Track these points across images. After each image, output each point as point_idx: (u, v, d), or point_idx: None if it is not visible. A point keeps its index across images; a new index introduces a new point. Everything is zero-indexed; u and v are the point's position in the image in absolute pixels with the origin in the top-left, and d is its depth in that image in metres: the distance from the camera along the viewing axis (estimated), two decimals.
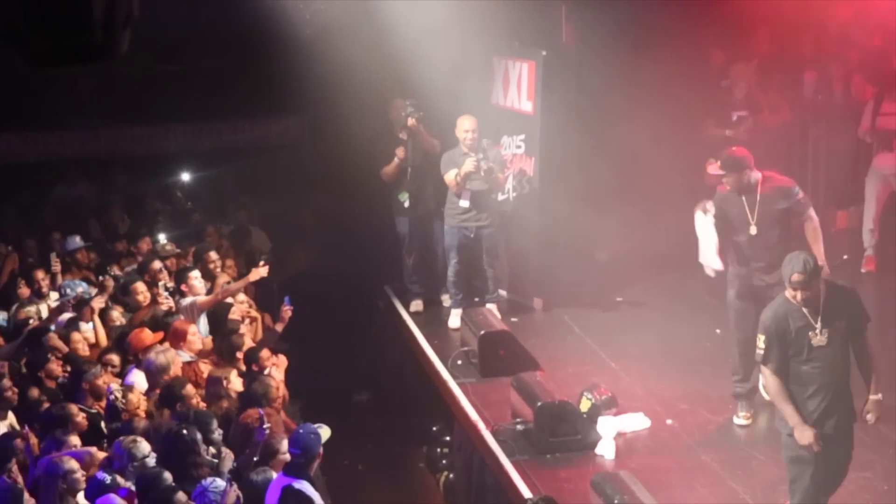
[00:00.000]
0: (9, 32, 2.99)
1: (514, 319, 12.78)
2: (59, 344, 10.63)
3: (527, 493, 9.07)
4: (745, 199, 9.67)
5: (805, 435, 7.30)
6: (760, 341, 7.55)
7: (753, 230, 9.66)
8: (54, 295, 12.17)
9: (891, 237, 13.19)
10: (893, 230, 13.18)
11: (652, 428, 10.35)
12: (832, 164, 14.87)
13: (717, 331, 12.16)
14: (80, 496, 8.29)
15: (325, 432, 8.78)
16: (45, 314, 11.67)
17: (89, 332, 11.30)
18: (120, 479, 8.21)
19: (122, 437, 8.82)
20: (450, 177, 12.30)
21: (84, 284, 12.31)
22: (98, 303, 11.72)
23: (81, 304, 11.79)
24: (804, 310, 7.39)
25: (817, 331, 7.35)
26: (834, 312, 7.42)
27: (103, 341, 11.12)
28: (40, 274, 12.60)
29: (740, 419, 10.06)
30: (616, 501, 8.39)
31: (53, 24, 2.97)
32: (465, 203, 12.36)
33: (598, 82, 12.91)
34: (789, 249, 8.81)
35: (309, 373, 11.93)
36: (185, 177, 17.05)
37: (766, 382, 7.74)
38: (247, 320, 11.79)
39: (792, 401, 7.45)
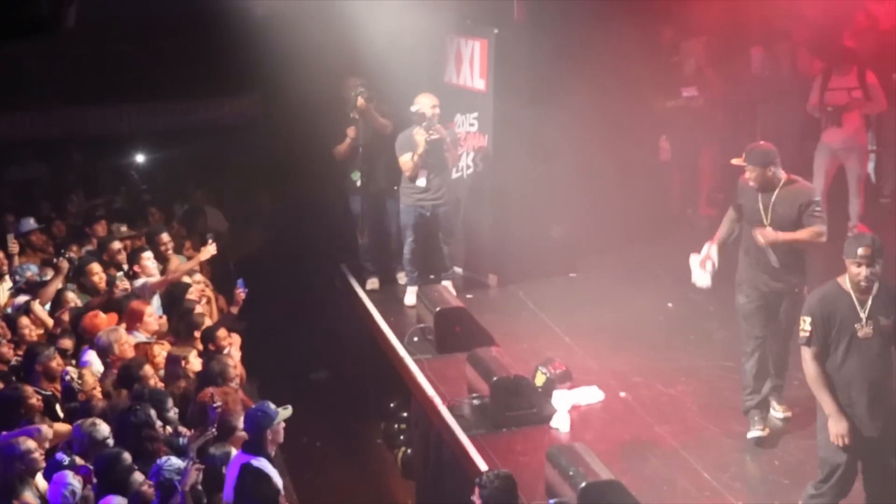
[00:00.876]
0: None
1: (469, 296, 12.83)
2: (3, 327, 10.64)
3: (483, 466, 9.10)
4: (762, 198, 9.01)
5: (840, 426, 7.08)
6: (805, 323, 7.26)
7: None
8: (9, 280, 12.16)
9: (838, 210, 13.31)
10: (840, 203, 13.28)
11: (606, 401, 10.43)
12: (780, 138, 14.82)
13: (669, 304, 12.30)
14: (39, 476, 8.32)
15: (285, 412, 8.82)
16: (1, 295, 11.68)
17: (44, 314, 11.32)
18: (78, 460, 8.24)
19: (81, 420, 8.85)
20: (405, 160, 12.32)
21: (34, 267, 12.28)
22: (54, 285, 11.74)
23: (35, 287, 11.81)
24: (854, 298, 7.15)
25: (863, 322, 7.08)
26: (881, 308, 7.13)
27: (49, 323, 11.08)
28: None
29: (755, 432, 9.34)
30: (571, 473, 8.47)
31: None
32: (422, 182, 12.40)
33: (551, 59, 12.93)
34: (799, 259, 9.09)
35: (266, 351, 11.96)
36: (140, 158, 16.97)
37: (806, 366, 7.33)
38: (203, 300, 11.80)
39: (830, 389, 7.20)
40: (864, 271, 7.05)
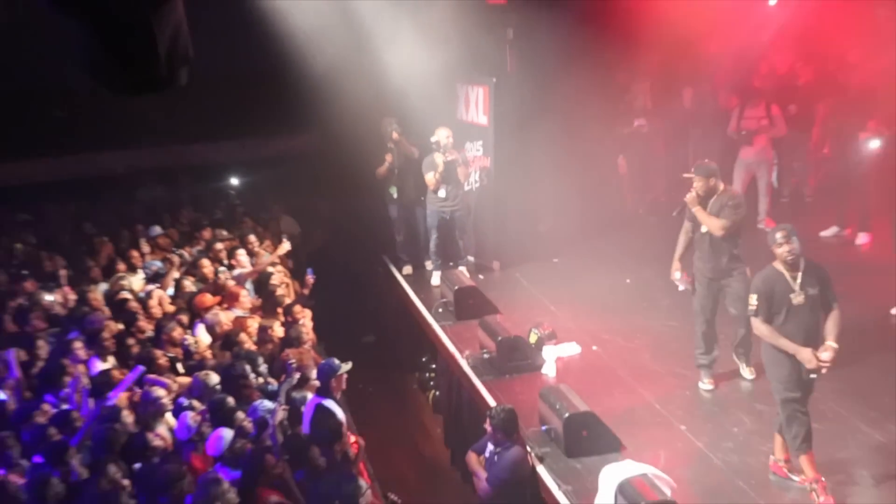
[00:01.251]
0: (96, 69, 3.03)
1: (480, 277, 12.88)
2: (139, 307, 10.73)
3: (492, 402, 9.22)
4: (708, 205, 9.11)
5: (806, 352, 7.15)
6: (752, 299, 7.37)
7: (705, 229, 9.15)
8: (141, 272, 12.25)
9: (750, 208, 13.30)
10: (752, 203, 13.30)
11: (582, 353, 10.50)
12: (707, 156, 14.82)
13: (627, 280, 12.35)
14: (168, 415, 8.42)
15: (346, 366, 8.91)
16: (135, 285, 11.75)
17: (165, 298, 11.39)
18: (196, 403, 8.33)
19: (197, 374, 8.95)
20: (429, 177, 12.46)
21: (159, 263, 12.35)
22: (171, 275, 11.84)
23: (157, 277, 11.90)
24: (787, 276, 7.25)
25: (796, 292, 7.21)
26: (809, 281, 7.24)
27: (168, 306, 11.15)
28: (134, 253, 12.71)
29: (705, 384, 9.44)
30: (558, 407, 8.59)
31: (128, 62, 3.02)
32: (442, 193, 12.53)
33: (535, 100, 12.94)
34: (733, 250, 9.07)
35: (329, 322, 12.00)
36: (233, 180, 17.04)
37: (759, 329, 7.41)
38: (282, 284, 11.87)
39: (783, 335, 7.26)
40: (785, 248, 7.17)
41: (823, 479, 7.19)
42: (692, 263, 9.48)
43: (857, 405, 8.73)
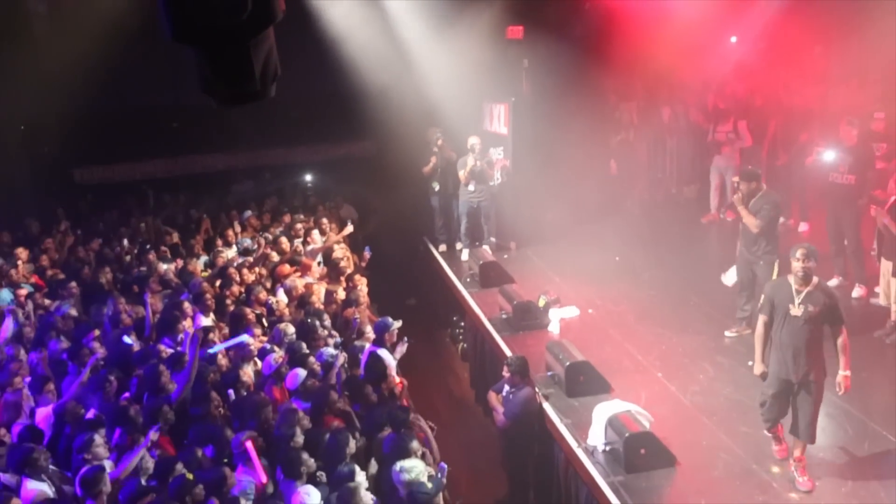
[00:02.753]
0: (206, 85, 3.09)
1: (501, 255, 12.79)
2: (235, 273, 10.83)
3: (508, 353, 9.18)
4: (751, 203, 8.85)
5: (758, 368, 6.89)
6: (763, 299, 6.96)
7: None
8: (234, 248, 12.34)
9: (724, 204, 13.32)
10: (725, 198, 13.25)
11: (581, 315, 10.43)
12: (680, 161, 14.91)
13: (616, 258, 12.25)
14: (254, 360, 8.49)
15: (397, 323, 8.93)
16: (230, 256, 11.84)
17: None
18: (277, 349, 8.37)
19: (277, 325, 9.00)
20: (462, 174, 12.50)
21: (249, 240, 12.42)
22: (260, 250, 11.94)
23: (247, 252, 11.96)
24: (793, 287, 6.61)
25: (795, 305, 6.55)
26: (812, 299, 6.55)
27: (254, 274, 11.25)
28: (230, 232, 12.79)
29: (731, 333, 9.41)
30: (560, 357, 8.58)
31: (230, 79, 3.07)
32: (472, 188, 12.54)
33: (544, 115, 12.93)
34: (767, 242, 8.92)
35: (381, 288, 12.02)
36: (307, 177, 17.07)
37: (758, 326, 6.93)
38: (345, 258, 11.90)
39: (762, 345, 6.86)
40: (800, 264, 6.55)
41: (805, 459, 6.69)
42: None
43: None
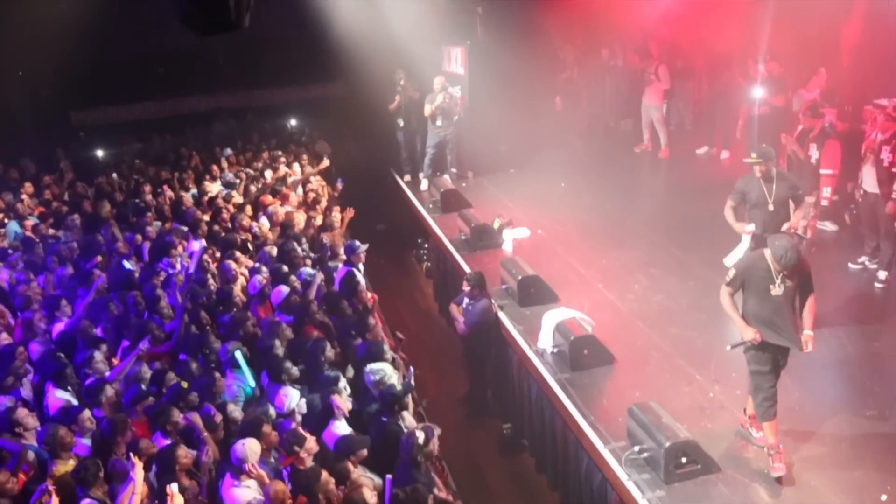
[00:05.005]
0: (183, 16, 2.99)
1: (462, 184, 12.61)
2: (223, 203, 10.65)
3: (467, 269, 9.13)
4: (764, 184, 7.18)
5: (748, 331, 5.71)
6: (731, 273, 5.85)
7: (771, 207, 7.16)
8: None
9: (654, 141, 13.32)
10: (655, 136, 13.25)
11: (531, 235, 10.34)
12: (617, 98, 14.77)
13: (562, 184, 12.16)
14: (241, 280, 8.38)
15: (364, 246, 8.83)
16: (215, 189, 11.64)
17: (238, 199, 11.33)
18: (263, 270, 8.28)
19: (263, 248, 8.88)
20: (427, 109, 12.15)
21: (231, 175, 12.18)
22: (243, 183, 11.74)
23: (231, 185, 11.76)
24: (773, 269, 5.63)
25: (776, 285, 5.64)
26: (790, 275, 5.63)
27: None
28: (214, 168, 12.49)
29: None
30: (513, 272, 8.55)
31: (207, 9, 2.95)
32: (439, 122, 12.23)
33: (498, 57, 12.67)
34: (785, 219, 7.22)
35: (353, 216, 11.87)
36: (286, 117, 16.68)
37: (723, 298, 5.86)
38: (321, 188, 11.76)
39: (737, 310, 5.83)
40: (784, 272, 5.59)
41: (782, 446, 5.74)
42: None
43: None
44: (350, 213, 10.33)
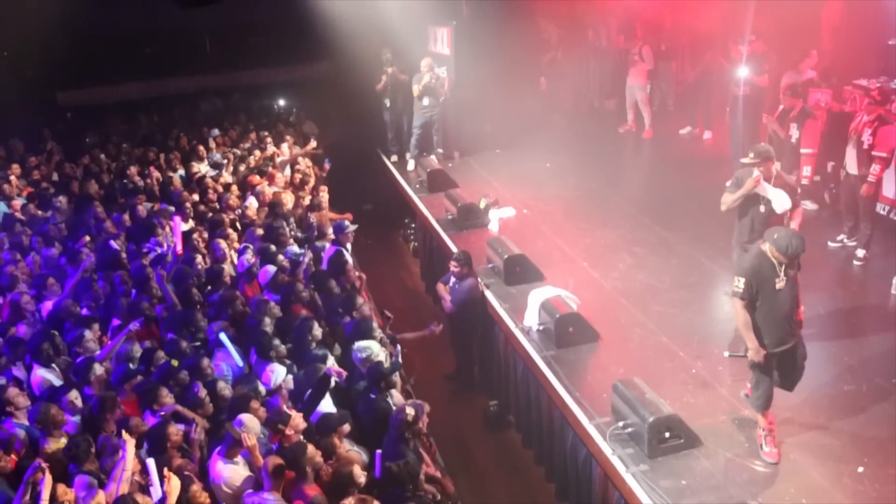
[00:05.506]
0: None
1: (448, 164, 12.57)
2: (211, 183, 10.61)
3: (454, 248, 9.12)
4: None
5: (758, 355, 5.41)
6: (738, 282, 5.41)
7: (762, 208, 6.56)
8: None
9: (639, 121, 13.31)
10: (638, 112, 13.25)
11: (517, 215, 10.34)
12: (602, 77, 14.74)
13: (547, 164, 12.15)
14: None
15: (352, 226, 8.81)
16: (202, 170, 11.56)
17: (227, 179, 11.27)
18: (251, 248, 8.25)
19: (250, 228, 8.84)
20: (415, 89, 12.10)
21: (219, 155, 12.09)
22: (231, 164, 11.67)
23: (218, 165, 11.68)
24: (776, 262, 5.32)
25: (780, 278, 5.34)
26: (791, 264, 5.38)
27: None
28: (201, 148, 12.37)
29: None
30: (499, 251, 8.56)
31: None
32: (426, 102, 12.16)
33: (483, 37, 12.52)
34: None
35: (341, 195, 11.84)
36: (274, 97, 16.48)
37: (737, 312, 5.47)
38: (308, 168, 11.70)
39: (752, 330, 5.43)
40: (786, 264, 5.34)
41: (774, 430, 5.66)
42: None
43: None
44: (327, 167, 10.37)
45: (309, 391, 5.86)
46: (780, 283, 5.40)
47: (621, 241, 9.35)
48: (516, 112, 12.87)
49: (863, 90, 9.03)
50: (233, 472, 5.04)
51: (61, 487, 4.63)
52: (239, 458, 5.13)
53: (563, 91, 14.62)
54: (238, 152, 12.38)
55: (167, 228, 9.03)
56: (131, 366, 6.08)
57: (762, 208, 6.61)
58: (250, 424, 5.15)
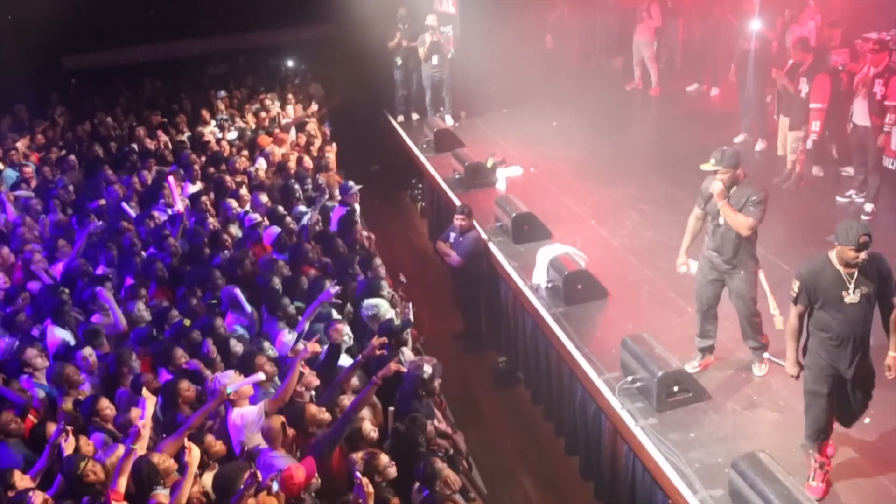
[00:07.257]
0: None
1: (455, 124, 12.45)
2: (216, 146, 10.59)
3: (457, 202, 9.05)
4: (729, 195, 5.69)
5: (794, 369, 4.92)
6: (795, 286, 4.76)
7: (721, 220, 5.72)
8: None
9: (645, 79, 13.17)
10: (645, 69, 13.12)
11: (524, 173, 10.29)
12: (608, 36, 14.57)
13: (554, 123, 12.06)
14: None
15: (357, 186, 8.78)
16: (207, 132, 11.52)
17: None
18: (257, 211, 8.25)
19: (255, 193, 8.81)
20: (421, 51, 12.04)
21: (226, 116, 12.09)
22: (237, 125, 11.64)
23: (223, 127, 11.65)
24: (842, 272, 4.61)
25: (850, 291, 4.59)
26: (865, 278, 4.60)
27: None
28: (205, 111, 12.31)
29: (693, 366, 6.09)
30: (507, 209, 8.57)
31: None
32: (434, 61, 12.10)
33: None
34: (741, 241, 5.70)
35: (347, 154, 11.78)
36: (279, 58, 16.27)
37: (790, 319, 4.88)
38: (315, 129, 11.63)
39: (796, 341, 4.88)
40: (862, 255, 4.54)
41: (829, 466, 5.00)
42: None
43: None
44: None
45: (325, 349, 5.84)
46: (848, 297, 4.65)
47: (629, 198, 9.29)
48: (522, 71, 12.72)
49: (874, 43, 8.86)
50: (247, 412, 5.10)
51: (83, 439, 4.70)
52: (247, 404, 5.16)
53: (569, 49, 14.47)
54: (245, 114, 12.34)
55: (178, 190, 9.02)
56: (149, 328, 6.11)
57: (720, 220, 5.78)
58: (233, 378, 5.15)
